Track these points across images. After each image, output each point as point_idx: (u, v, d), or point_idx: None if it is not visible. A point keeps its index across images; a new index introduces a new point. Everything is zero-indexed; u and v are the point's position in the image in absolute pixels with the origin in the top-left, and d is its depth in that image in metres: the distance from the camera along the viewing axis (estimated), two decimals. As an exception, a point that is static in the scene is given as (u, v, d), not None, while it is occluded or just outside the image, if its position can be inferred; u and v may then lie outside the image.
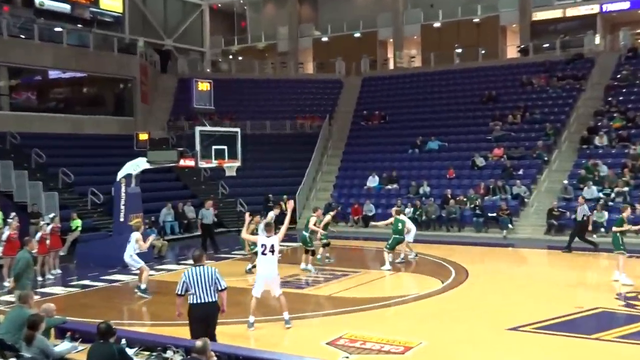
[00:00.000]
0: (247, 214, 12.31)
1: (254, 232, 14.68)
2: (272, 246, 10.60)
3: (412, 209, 25.94)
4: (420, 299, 13.58)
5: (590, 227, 19.79)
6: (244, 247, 17.42)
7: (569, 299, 13.43)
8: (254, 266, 13.78)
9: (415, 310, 12.63)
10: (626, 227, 14.45)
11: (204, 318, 8.78)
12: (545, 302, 13.00)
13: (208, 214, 21.25)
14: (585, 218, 19.34)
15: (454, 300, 13.49)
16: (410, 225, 17.94)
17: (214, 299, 8.81)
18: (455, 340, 10.47)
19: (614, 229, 14.36)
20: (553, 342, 10.43)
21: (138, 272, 14.53)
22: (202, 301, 8.74)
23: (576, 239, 19.16)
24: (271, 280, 10.81)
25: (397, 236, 17.08)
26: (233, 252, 20.09)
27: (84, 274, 17.03)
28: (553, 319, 11.65)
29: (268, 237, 10.76)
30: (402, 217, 17.61)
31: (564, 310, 12.25)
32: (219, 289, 8.88)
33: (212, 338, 8.60)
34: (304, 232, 16.33)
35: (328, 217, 18.11)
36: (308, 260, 16.35)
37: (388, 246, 17.00)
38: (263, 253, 10.74)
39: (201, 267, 8.97)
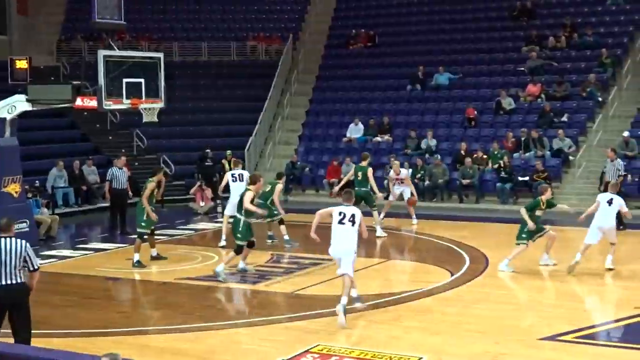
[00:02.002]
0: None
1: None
2: (353, 216, 12.10)
3: (410, 170, 26.15)
4: (421, 297, 13.74)
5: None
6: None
7: (625, 297, 13.72)
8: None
9: (414, 313, 12.81)
10: (540, 212, 15.44)
11: (7, 305, 9.58)
12: (593, 302, 13.27)
13: (121, 174, 21.18)
14: (618, 179, 20.11)
15: (467, 299, 13.73)
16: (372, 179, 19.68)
17: (21, 281, 9.61)
18: (468, 356, 10.69)
19: (522, 211, 15.51)
20: (601, 355, 10.70)
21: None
22: (5, 283, 9.50)
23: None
24: (346, 255, 12.25)
25: (358, 189, 18.47)
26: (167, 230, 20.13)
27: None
28: (602, 324, 11.91)
29: (347, 205, 12.31)
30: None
31: (618, 313, 12.51)
32: (30, 269, 9.69)
33: (23, 333, 9.55)
34: (238, 215, 15.79)
35: (279, 187, 18.03)
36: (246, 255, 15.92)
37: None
38: (341, 222, 12.12)
39: (8, 239, 9.63)
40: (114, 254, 18.17)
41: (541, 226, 15.56)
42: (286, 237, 18.23)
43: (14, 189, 18.64)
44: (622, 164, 21.60)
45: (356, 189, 18.63)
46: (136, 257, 16.29)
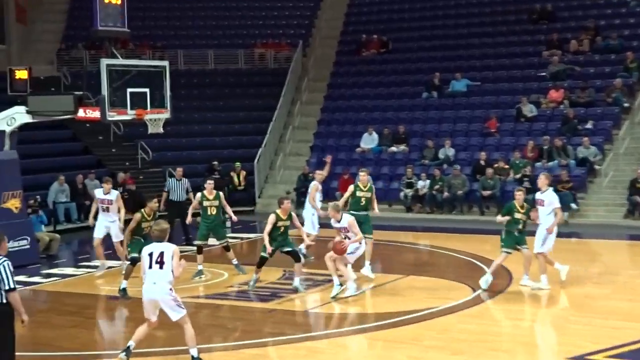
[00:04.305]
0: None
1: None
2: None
3: (428, 182, 26.04)
4: (442, 315, 13.64)
5: None
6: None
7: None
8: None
9: (435, 332, 12.68)
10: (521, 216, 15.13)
11: None
12: (624, 318, 13.12)
13: (178, 186, 21.43)
14: None
15: (490, 316, 13.66)
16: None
17: (2, 301, 9.36)
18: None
19: (499, 218, 15.39)
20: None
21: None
22: None
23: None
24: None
25: (356, 212, 16.39)
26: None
27: None
28: (633, 343, 11.80)
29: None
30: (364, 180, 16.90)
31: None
32: (4, 288, 9.37)
33: (3, 355, 9.32)
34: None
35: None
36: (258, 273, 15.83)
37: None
38: None
39: None
40: (118, 272, 18.09)
41: (523, 237, 15.24)
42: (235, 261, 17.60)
43: (14, 204, 18.58)
44: None
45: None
46: (124, 284, 15.44)
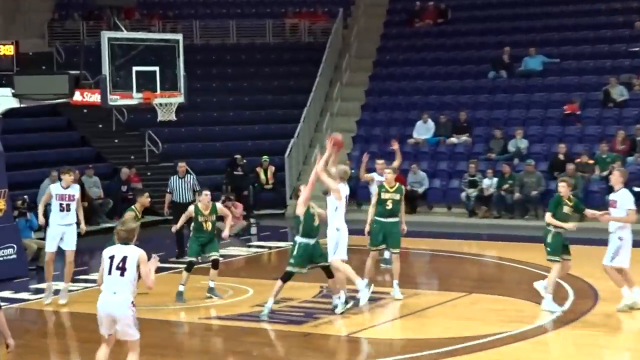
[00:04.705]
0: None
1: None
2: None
3: (495, 180, 25.88)
4: (511, 342, 13.49)
5: None
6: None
7: None
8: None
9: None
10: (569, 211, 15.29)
11: None
12: None
13: (182, 184, 21.26)
14: None
15: (571, 344, 13.52)
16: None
17: None
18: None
19: (548, 218, 15.26)
20: None
21: None
22: None
23: None
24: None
25: (382, 219, 16.65)
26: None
27: None
28: None
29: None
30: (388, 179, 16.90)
31: None
32: None
33: None
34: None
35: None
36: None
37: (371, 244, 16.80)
38: None
39: None
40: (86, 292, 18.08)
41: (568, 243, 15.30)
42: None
43: (-5, 207, 18.77)
44: None
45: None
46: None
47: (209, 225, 17.13)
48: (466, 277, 18.96)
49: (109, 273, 10.33)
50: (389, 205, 16.52)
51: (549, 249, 15.18)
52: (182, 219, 18.02)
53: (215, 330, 14.68)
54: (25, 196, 23.22)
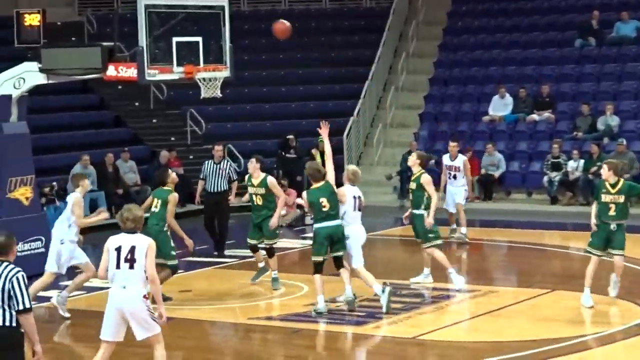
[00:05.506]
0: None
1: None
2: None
3: (582, 162, 25.52)
4: (600, 345, 13.71)
5: None
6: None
7: None
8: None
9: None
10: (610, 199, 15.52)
11: None
12: None
13: (216, 170, 20.75)
14: None
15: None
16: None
17: (8, 323, 9.42)
18: None
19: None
20: None
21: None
22: None
23: None
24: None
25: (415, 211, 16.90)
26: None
27: None
28: None
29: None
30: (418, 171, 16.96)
31: None
32: (16, 308, 9.39)
33: None
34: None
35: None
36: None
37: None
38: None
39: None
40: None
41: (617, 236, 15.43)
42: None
43: (23, 194, 18.83)
44: None
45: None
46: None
47: (259, 200, 16.95)
48: (548, 272, 19.06)
49: (117, 267, 10.51)
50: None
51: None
52: (234, 189, 19.78)
53: (262, 331, 14.61)
54: (54, 182, 23.30)
